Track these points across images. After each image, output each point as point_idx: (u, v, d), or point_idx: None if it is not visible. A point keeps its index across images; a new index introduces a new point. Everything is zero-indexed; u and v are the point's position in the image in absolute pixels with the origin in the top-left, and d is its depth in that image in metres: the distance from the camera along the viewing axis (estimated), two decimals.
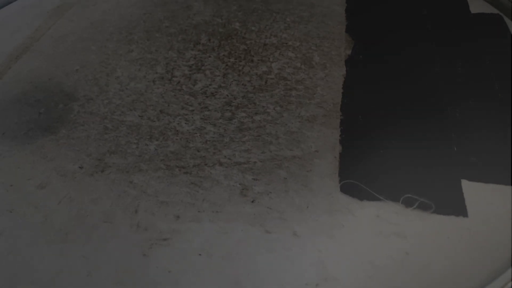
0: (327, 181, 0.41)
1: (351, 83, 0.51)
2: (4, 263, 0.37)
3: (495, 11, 0.61)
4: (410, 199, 0.39)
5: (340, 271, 0.35)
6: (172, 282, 0.35)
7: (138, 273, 0.36)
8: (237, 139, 0.46)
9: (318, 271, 0.35)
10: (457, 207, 0.38)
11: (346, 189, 0.40)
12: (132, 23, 0.63)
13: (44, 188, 0.42)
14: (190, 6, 0.66)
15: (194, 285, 0.35)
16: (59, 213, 0.40)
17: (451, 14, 0.62)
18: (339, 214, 0.38)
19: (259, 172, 0.42)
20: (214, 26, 0.62)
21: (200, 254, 0.36)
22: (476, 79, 0.51)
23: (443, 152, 0.43)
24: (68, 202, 0.41)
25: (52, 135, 0.47)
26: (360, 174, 0.41)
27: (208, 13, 0.65)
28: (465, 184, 0.40)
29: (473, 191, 0.39)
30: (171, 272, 0.36)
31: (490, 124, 0.45)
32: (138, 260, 0.36)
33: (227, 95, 0.51)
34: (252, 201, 0.40)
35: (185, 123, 0.48)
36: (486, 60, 0.53)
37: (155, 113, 0.49)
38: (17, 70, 0.57)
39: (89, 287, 0.35)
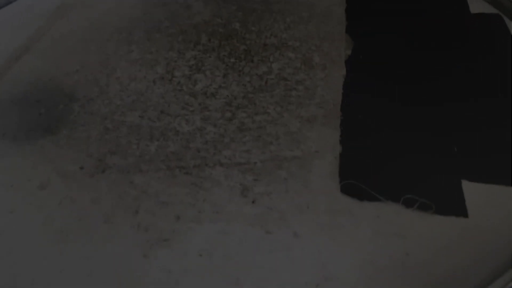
0: (327, 181, 0.41)
1: (351, 83, 0.51)
2: (4, 263, 0.37)
3: (495, 11, 0.61)
4: (410, 200, 0.39)
5: (340, 271, 0.35)
6: (172, 282, 0.35)
7: (138, 273, 0.36)
8: (237, 139, 0.46)
9: (318, 271, 0.35)
10: (458, 208, 0.38)
11: (346, 190, 0.40)
12: (132, 23, 0.63)
13: (44, 188, 0.42)
14: (190, 6, 0.66)
15: (194, 285, 0.35)
16: (59, 213, 0.40)
17: (451, 14, 0.62)
18: (339, 214, 0.38)
19: (259, 173, 0.42)
20: (214, 26, 0.62)
21: (200, 255, 0.36)
22: (476, 79, 0.51)
23: (444, 152, 0.43)
24: (68, 202, 0.41)
25: (53, 136, 0.47)
26: (360, 174, 0.41)
27: (208, 13, 0.65)
28: (466, 185, 0.40)
29: (473, 192, 0.39)
30: (171, 272, 0.36)
31: (491, 124, 0.46)
32: (139, 261, 0.36)
33: (228, 96, 0.51)
34: (253, 202, 0.40)
35: (186, 124, 0.48)
36: (486, 60, 0.53)
37: (156, 113, 0.49)
38: (17, 71, 0.57)
39: (89, 287, 0.35)
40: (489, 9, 0.62)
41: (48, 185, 0.42)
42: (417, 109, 0.48)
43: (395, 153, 0.43)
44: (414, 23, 0.60)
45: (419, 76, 0.52)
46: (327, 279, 0.34)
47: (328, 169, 0.42)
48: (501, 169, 0.41)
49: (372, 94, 0.50)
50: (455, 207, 0.38)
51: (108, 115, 0.49)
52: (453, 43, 0.56)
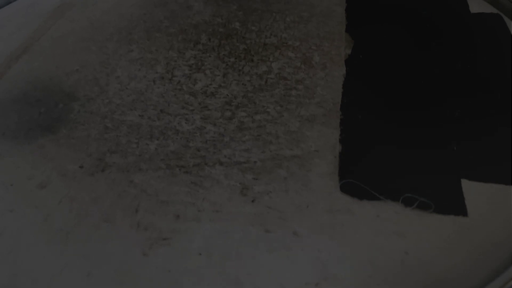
0: (327, 180, 0.41)
1: (351, 82, 0.51)
2: (4, 263, 0.37)
3: (495, 11, 0.61)
4: (410, 199, 0.39)
5: (340, 270, 0.35)
6: (172, 282, 0.35)
7: (138, 273, 0.36)
8: (237, 138, 0.46)
9: (318, 271, 0.35)
10: (457, 207, 0.38)
11: (346, 189, 0.40)
12: (132, 23, 0.63)
13: (44, 187, 0.42)
14: (190, 6, 0.66)
15: (194, 285, 0.35)
16: (59, 212, 0.40)
17: (451, 14, 0.62)
18: (339, 214, 0.38)
19: (259, 172, 0.42)
20: (214, 26, 0.62)
21: (200, 254, 0.36)
22: (476, 79, 0.51)
23: (443, 152, 0.43)
24: (68, 201, 0.41)
25: (52, 135, 0.47)
26: (360, 174, 0.41)
27: (208, 13, 0.65)
28: (465, 184, 0.40)
29: (473, 191, 0.39)
30: (171, 271, 0.36)
31: (490, 124, 0.46)
32: (138, 260, 0.36)
33: (227, 95, 0.51)
34: (252, 201, 0.40)
35: (185, 123, 0.48)
36: (486, 60, 0.53)
37: (156, 112, 0.49)
38: (17, 70, 0.57)
39: (89, 287, 0.35)
40: (489, 9, 0.62)
41: (48, 184, 0.42)
42: (417, 108, 0.48)
43: (394, 152, 0.43)
44: (414, 23, 0.60)
45: (419, 75, 0.52)
46: (326, 278, 0.34)
47: (327, 168, 0.42)
48: (501, 168, 0.41)
49: (372, 94, 0.50)
50: (455, 206, 0.38)
51: (108, 114, 0.49)
52: (453, 43, 0.56)
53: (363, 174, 0.41)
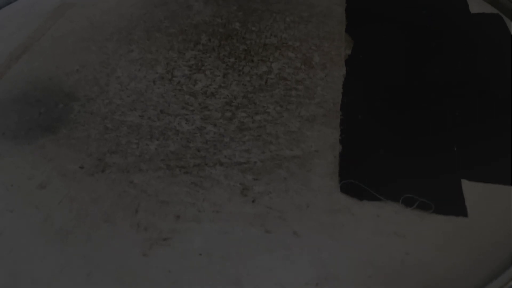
0: (327, 181, 0.41)
1: (351, 83, 0.51)
2: (4, 263, 0.37)
3: (495, 11, 0.61)
4: (410, 199, 0.39)
5: (340, 270, 0.35)
6: (172, 282, 0.35)
7: (138, 273, 0.36)
8: (237, 139, 0.46)
9: (318, 271, 0.35)
10: (457, 207, 0.38)
11: (346, 189, 0.40)
12: (132, 23, 0.64)
13: (44, 188, 0.42)
14: (190, 6, 0.66)
15: (194, 285, 0.35)
16: (59, 213, 0.40)
17: (451, 14, 0.62)
18: (339, 214, 0.38)
19: (259, 172, 0.42)
20: (214, 26, 0.62)
21: (200, 254, 0.36)
22: (476, 79, 0.51)
23: (443, 152, 0.43)
24: (68, 202, 0.41)
25: (52, 135, 0.47)
26: (360, 174, 0.41)
27: (208, 13, 0.65)
28: (465, 184, 0.40)
29: (473, 191, 0.39)
30: (171, 272, 0.36)
31: (490, 124, 0.46)
32: (138, 260, 0.36)
33: (228, 95, 0.51)
34: (253, 201, 0.40)
35: (186, 123, 0.48)
36: (486, 60, 0.53)
37: (156, 113, 0.49)
38: (17, 70, 0.57)
39: (89, 287, 0.35)
40: (489, 9, 0.62)
41: (48, 184, 0.42)
42: (417, 108, 0.48)
43: (394, 152, 0.43)
44: (414, 23, 0.60)
45: (419, 75, 0.52)
46: (326, 278, 0.34)
47: (328, 169, 0.42)
48: (501, 168, 0.41)
49: (372, 94, 0.50)
50: (455, 206, 0.38)
51: (108, 114, 0.49)
52: (453, 43, 0.56)
53: (363, 174, 0.41)
